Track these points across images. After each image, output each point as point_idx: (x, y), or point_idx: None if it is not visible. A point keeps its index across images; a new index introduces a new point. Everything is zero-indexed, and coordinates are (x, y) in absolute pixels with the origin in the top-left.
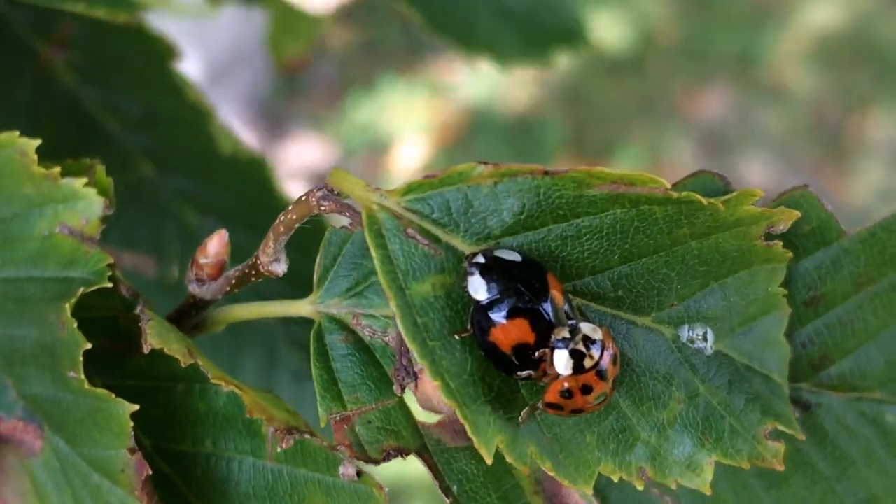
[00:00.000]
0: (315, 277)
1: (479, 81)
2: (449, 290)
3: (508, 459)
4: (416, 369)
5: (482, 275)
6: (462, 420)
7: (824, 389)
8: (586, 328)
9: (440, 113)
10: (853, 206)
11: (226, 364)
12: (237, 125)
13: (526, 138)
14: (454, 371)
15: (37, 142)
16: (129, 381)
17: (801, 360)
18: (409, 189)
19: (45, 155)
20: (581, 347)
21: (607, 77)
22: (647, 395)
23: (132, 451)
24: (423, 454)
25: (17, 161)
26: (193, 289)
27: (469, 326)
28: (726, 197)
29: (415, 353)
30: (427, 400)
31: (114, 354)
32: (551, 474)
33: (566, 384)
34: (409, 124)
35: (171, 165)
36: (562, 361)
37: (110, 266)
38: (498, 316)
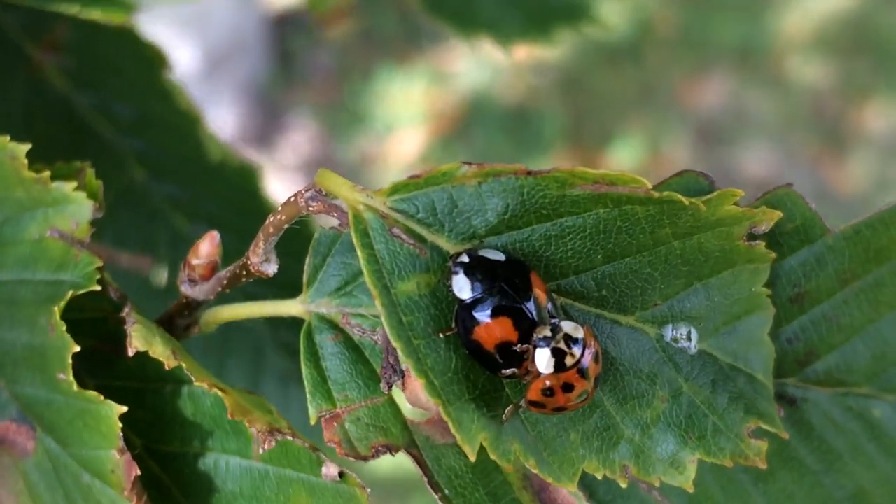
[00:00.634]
0: (305, 277)
1: (478, 71)
2: (434, 289)
3: (492, 457)
4: (403, 367)
5: (466, 274)
6: (445, 417)
7: (811, 385)
8: (568, 327)
9: (438, 102)
10: (852, 195)
11: (214, 366)
12: (235, 114)
13: (524, 128)
14: (438, 369)
15: (27, 146)
16: (118, 382)
17: (786, 356)
18: (395, 189)
19: (39, 158)
20: (562, 346)
21: (606, 66)
22: (630, 393)
23: (121, 452)
24: (412, 451)
25: (8, 165)
26: (185, 290)
27: (453, 325)
28: (707, 197)
29: (399, 351)
30: (416, 397)
31: (104, 356)
32: (535, 472)
33: (548, 382)
34: (406, 114)
35: (163, 170)
36: (543, 360)
37: (99, 269)
38: (482, 315)
